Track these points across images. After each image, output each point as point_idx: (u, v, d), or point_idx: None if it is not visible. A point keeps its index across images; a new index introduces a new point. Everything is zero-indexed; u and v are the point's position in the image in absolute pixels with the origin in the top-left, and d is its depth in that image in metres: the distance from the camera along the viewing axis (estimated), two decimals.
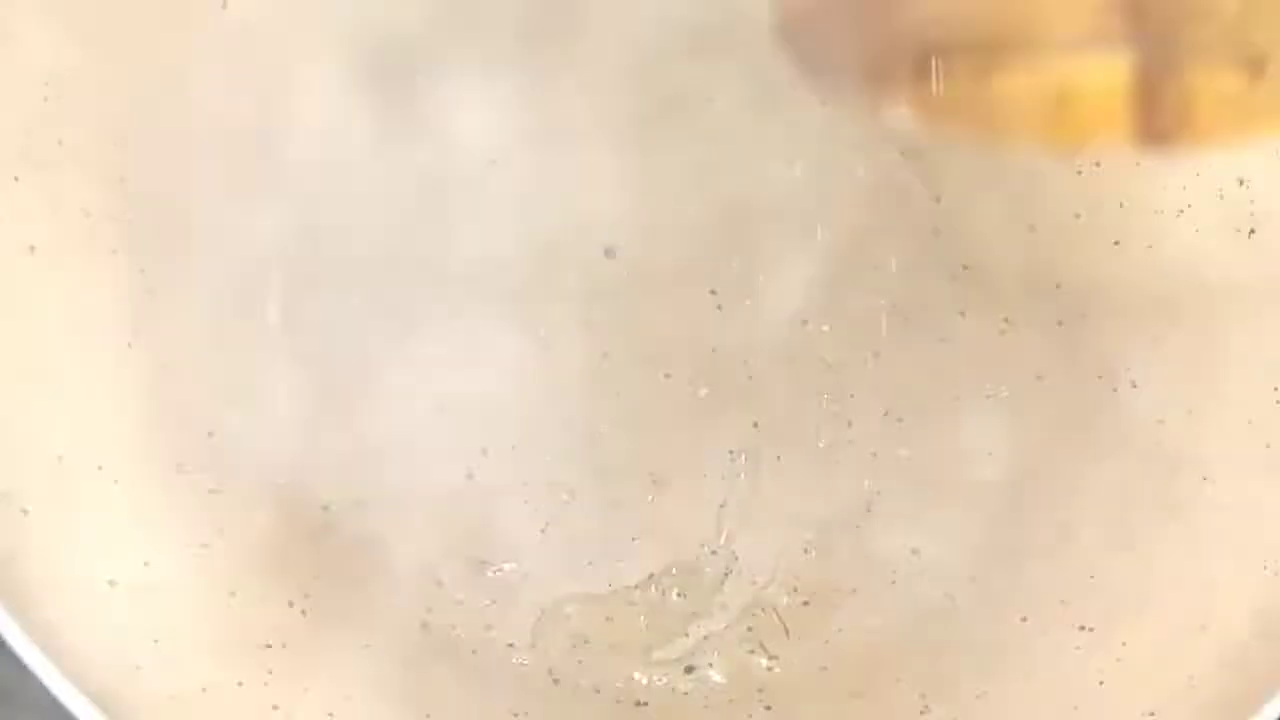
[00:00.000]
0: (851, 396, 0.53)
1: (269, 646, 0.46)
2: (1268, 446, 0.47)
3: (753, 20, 0.55)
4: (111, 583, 0.44)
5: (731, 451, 0.53)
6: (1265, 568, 0.45)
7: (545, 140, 0.54)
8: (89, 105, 0.49)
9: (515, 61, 0.54)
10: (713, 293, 0.54)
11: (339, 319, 0.52)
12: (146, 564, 0.46)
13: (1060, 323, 0.54)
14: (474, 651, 0.49)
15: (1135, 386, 0.52)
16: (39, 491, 0.44)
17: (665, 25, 0.54)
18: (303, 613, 0.48)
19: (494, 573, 0.51)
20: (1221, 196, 0.52)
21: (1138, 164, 0.54)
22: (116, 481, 0.47)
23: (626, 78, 0.55)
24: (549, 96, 0.55)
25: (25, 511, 0.43)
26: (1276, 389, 0.48)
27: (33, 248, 0.48)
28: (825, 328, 0.54)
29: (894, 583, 0.51)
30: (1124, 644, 0.47)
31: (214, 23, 0.51)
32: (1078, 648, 0.47)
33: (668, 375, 0.53)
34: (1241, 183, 0.52)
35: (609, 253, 0.54)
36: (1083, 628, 0.48)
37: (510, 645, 0.50)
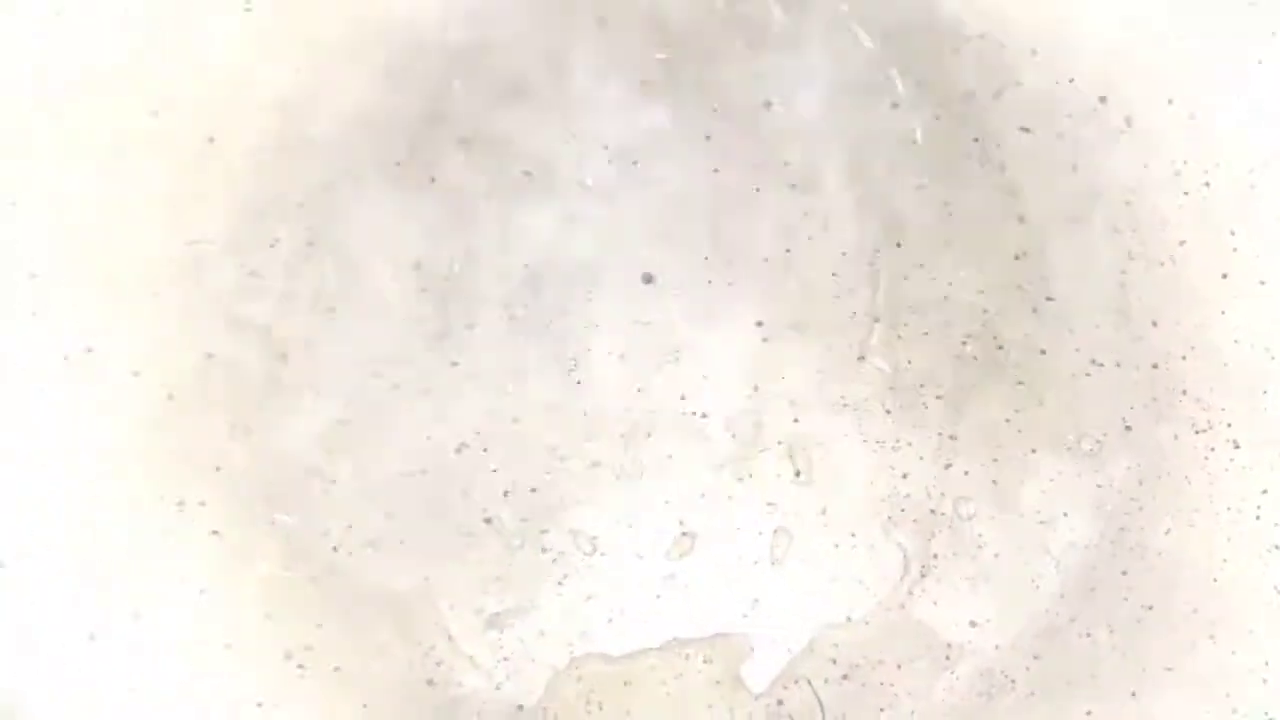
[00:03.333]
0: (909, 445, 0.48)
1: (259, 705, 0.44)
2: None
3: None
4: (91, 637, 0.42)
5: (770, 503, 0.48)
6: None
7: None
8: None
9: None
10: (759, 324, 0.49)
11: (356, 350, 0.49)
12: (136, 615, 0.43)
13: (1155, 366, 0.47)
14: (479, 714, 0.46)
15: (1237, 447, 0.45)
16: (16, 539, 0.42)
17: None
18: (299, 667, 0.45)
19: (508, 627, 0.47)
20: None
21: (1253, 186, 0.47)
22: (112, 523, 0.45)
23: None
24: None
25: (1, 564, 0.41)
26: None
27: (33, 275, 0.46)
28: (883, 365, 0.49)
29: (947, 658, 0.46)
30: None
31: None
32: None
33: (704, 415, 0.49)
34: None
35: (647, 278, 0.50)
36: None
37: (520, 707, 0.46)
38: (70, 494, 0.45)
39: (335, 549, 0.48)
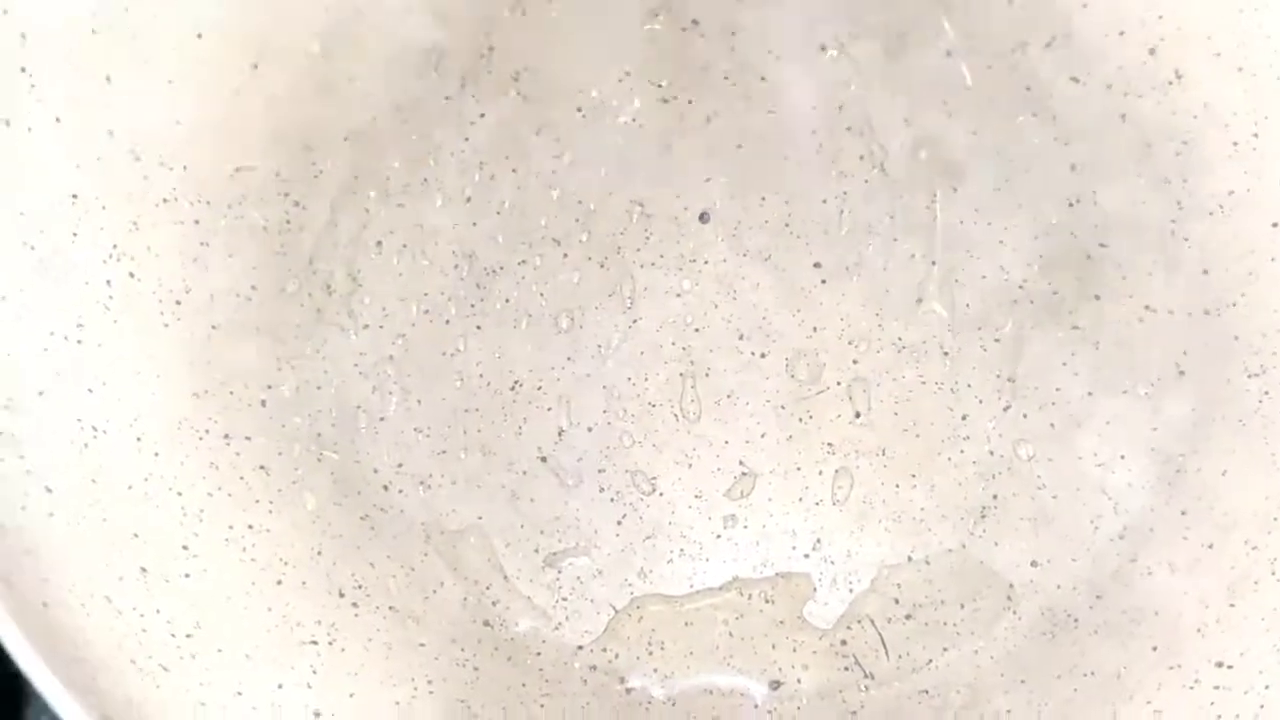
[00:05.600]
0: (968, 387, 0.48)
1: (314, 643, 0.42)
2: None
3: None
4: (143, 570, 0.40)
5: (830, 444, 0.47)
6: None
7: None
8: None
9: None
10: (817, 265, 0.49)
11: (403, 285, 0.48)
12: (185, 548, 0.42)
13: (1207, 312, 0.48)
14: (538, 653, 0.45)
15: None
16: (66, 467, 0.40)
17: None
18: (353, 605, 0.44)
19: (565, 567, 0.46)
20: None
21: None
22: (157, 455, 0.43)
23: None
24: None
25: (49, 490, 0.39)
26: None
27: (75, 196, 0.44)
28: (940, 309, 0.48)
29: (1009, 598, 0.46)
30: (1267, 686, 0.41)
31: None
32: (1215, 687, 0.42)
33: (763, 354, 0.48)
34: None
35: (704, 217, 0.49)
36: (1220, 664, 0.42)
37: (579, 648, 0.45)
38: (114, 425, 0.43)
39: (385, 487, 0.46)
